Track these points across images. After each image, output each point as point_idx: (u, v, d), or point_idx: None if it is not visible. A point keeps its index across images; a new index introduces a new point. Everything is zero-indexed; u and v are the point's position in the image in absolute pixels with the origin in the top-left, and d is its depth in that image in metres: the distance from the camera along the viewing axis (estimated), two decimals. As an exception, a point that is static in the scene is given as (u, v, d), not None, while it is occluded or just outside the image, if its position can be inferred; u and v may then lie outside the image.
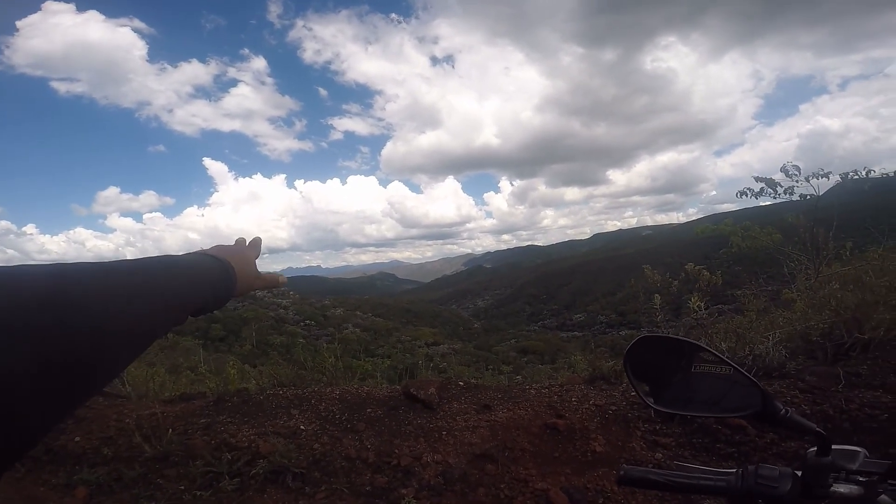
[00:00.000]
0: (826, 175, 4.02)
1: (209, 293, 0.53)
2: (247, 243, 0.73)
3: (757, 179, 4.23)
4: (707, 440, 2.56)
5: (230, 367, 4.23)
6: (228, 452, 2.71)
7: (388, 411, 3.18)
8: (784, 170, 4.11)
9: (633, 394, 3.08)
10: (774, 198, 4.20)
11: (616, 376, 3.42)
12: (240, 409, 3.28)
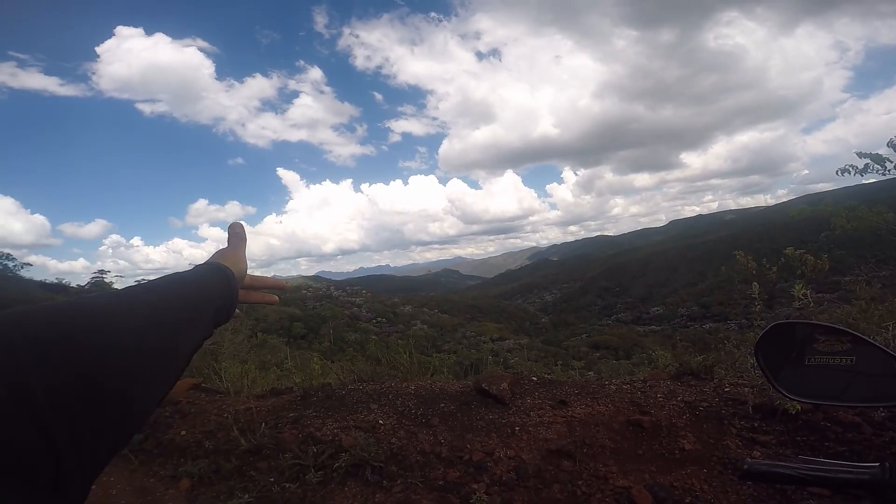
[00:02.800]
0: None
1: (219, 299, 0.54)
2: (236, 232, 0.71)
3: (860, 155, 3.75)
4: (813, 438, 2.31)
5: (314, 363, 4.47)
6: (314, 446, 2.87)
7: (460, 406, 3.19)
8: (892, 144, 3.60)
9: (726, 389, 2.85)
10: (883, 174, 3.69)
11: (706, 372, 3.18)
12: (324, 403, 3.46)
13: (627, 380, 3.42)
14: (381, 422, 3.10)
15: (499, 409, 3.10)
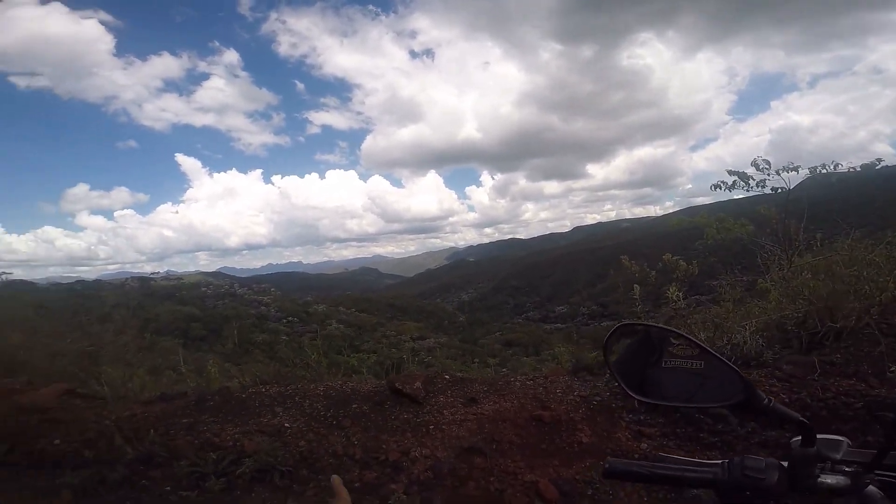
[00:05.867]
0: (795, 169, 4.14)
1: None
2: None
3: (730, 173, 4.33)
4: (691, 430, 2.61)
5: (210, 366, 4.16)
6: (213, 452, 2.68)
7: (374, 406, 3.16)
8: (755, 164, 4.22)
9: (616, 384, 3.12)
10: (747, 191, 4.31)
11: (599, 367, 3.46)
12: (222, 407, 3.23)
13: (531, 376, 3.61)
14: (287, 425, 2.97)
15: (413, 407, 3.11)
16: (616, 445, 2.55)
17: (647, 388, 0.79)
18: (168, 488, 2.54)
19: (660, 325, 0.83)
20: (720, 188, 4.33)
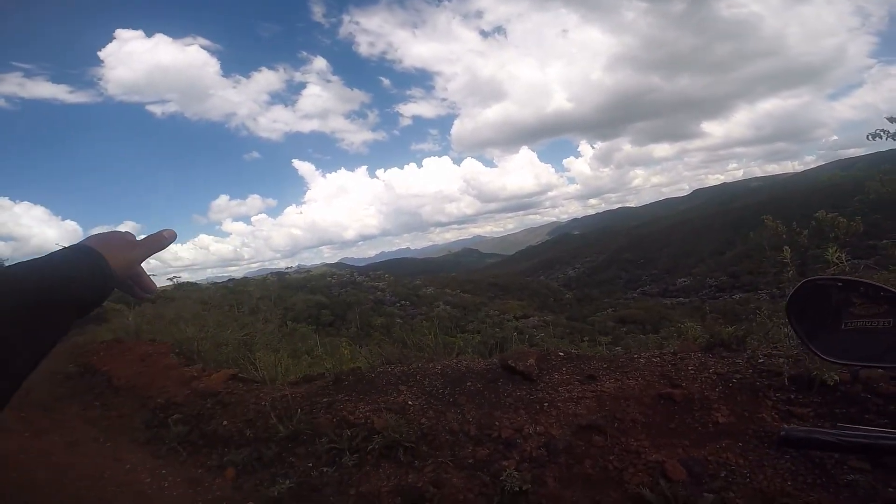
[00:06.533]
0: None
1: (79, 288, 0.51)
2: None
3: (891, 120, 3.59)
4: (853, 410, 2.25)
5: (343, 348, 4.57)
6: (348, 429, 2.95)
7: (487, 384, 3.22)
8: None
9: (760, 360, 2.79)
10: None
11: (738, 343, 3.12)
12: (355, 387, 3.55)
13: (657, 353, 3.38)
14: (410, 403, 3.16)
15: (526, 385, 3.11)
16: (759, 426, 2.28)
17: (832, 349, 0.72)
18: (310, 464, 2.79)
19: (854, 278, 0.75)
20: (880, 137, 3.61)
